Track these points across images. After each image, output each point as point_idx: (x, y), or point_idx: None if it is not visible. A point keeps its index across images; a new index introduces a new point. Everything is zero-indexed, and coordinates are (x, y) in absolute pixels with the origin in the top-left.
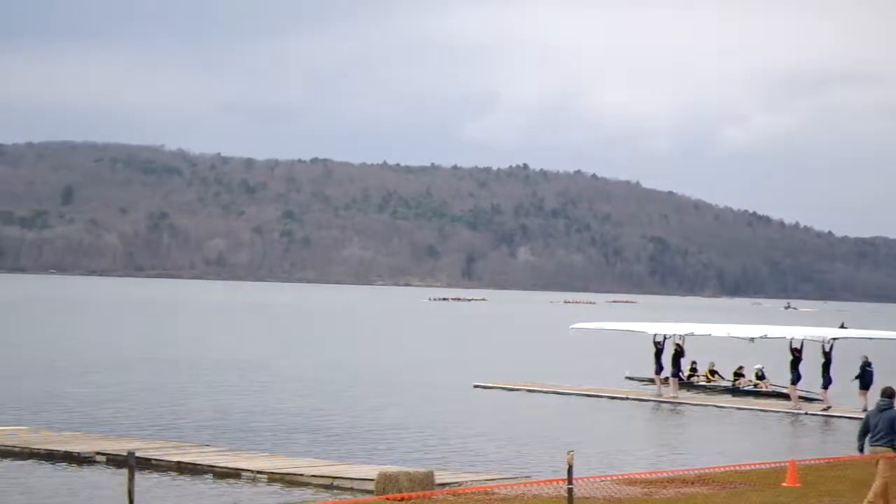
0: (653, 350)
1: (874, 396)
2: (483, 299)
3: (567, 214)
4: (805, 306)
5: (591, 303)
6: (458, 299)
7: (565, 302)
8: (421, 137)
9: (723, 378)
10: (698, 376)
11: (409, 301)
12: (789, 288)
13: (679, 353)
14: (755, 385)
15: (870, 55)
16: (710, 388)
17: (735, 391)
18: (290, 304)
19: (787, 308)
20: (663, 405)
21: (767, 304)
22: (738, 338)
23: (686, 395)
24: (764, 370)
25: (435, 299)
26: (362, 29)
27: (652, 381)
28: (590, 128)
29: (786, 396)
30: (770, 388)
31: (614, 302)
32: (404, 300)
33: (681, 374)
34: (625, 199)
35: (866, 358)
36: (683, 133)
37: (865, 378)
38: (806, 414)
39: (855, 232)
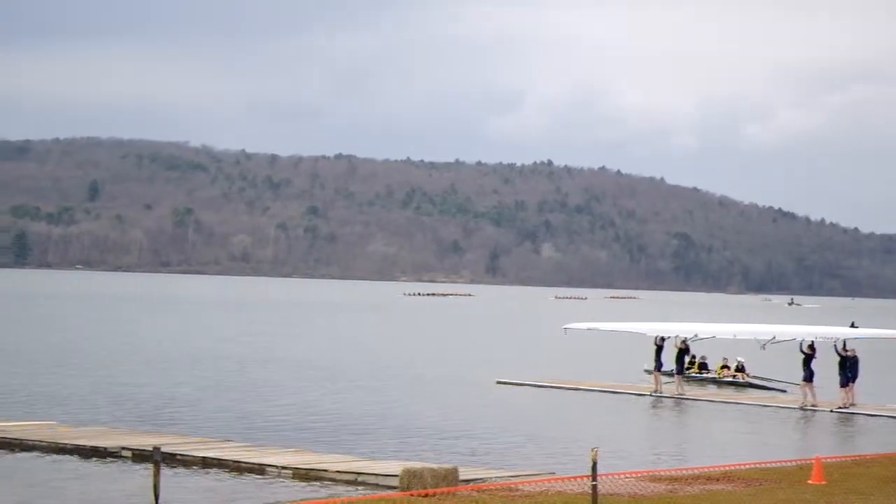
0: (653, 348)
1: (857, 389)
2: (469, 294)
3: (591, 211)
4: (808, 302)
5: (582, 298)
6: (434, 294)
7: (556, 298)
8: (445, 134)
9: (708, 371)
10: (695, 369)
11: (385, 297)
12: (815, 285)
13: (684, 352)
14: (733, 376)
15: (884, 52)
16: (699, 381)
17: (719, 382)
18: (293, 300)
19: (790, 304)
20: (665, 401)
21: (776, 300)
22: (748, 339)
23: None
24: (744, 363)
25: (410, 294)
26: (387, 26)
27: (671, 374)
28: (615, 124)
29: (764, 388)
30: (746, 380)
31: (613, 298)
32: (379, 296)
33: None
34: (649, 196)
35: (853, 351)
36: (708, 130)
37: (852, 372)
38: (798, 409)
39: (881, 228)
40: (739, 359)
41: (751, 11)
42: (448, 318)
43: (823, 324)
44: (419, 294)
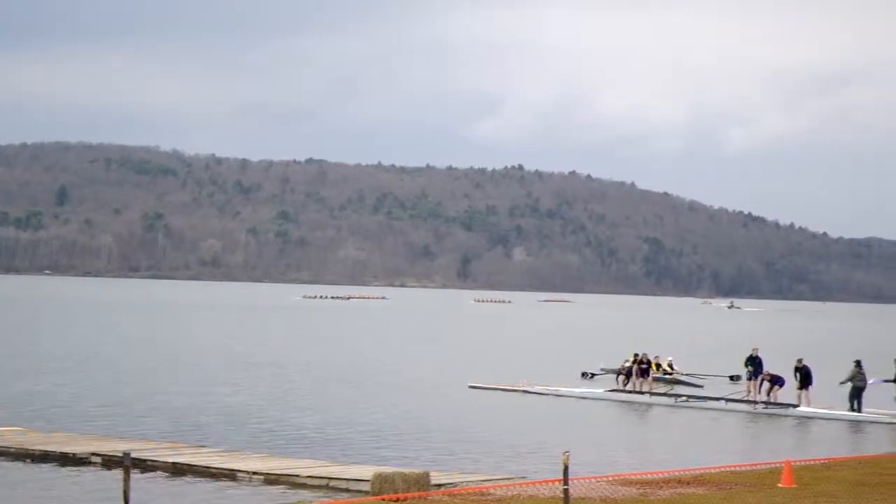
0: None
1: (812, 395)
2: (383, 297)
3: (562, 215)
4: (749, 306)
5: (505, 302)
6: (337, 297)
7: (475, 301)
8: (416, 138)
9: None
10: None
11: (279, 300)
12: (784, 289)
13: (648, 364)
14: (664, 373)
15: (867, 58)
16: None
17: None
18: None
19: (730, 307)
20: (636, 403)
21: (721, 303)
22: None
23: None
24: (672, 361)
25: (310, 297)
26: (360, 31)
27: (621, 372)
28: (586, 130)
29: (689, 384)
30: (674, 377)
31: (546, 301)
32: (273, 299)
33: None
34: (620, 200)
35: (756, 350)
36: (679, 135)
37: (757, 370)
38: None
39: (850, 233)
40: (669, 358)
41: (727, 16)
42: (348, 323)
43: (762, 328)
44: (320, 297)
